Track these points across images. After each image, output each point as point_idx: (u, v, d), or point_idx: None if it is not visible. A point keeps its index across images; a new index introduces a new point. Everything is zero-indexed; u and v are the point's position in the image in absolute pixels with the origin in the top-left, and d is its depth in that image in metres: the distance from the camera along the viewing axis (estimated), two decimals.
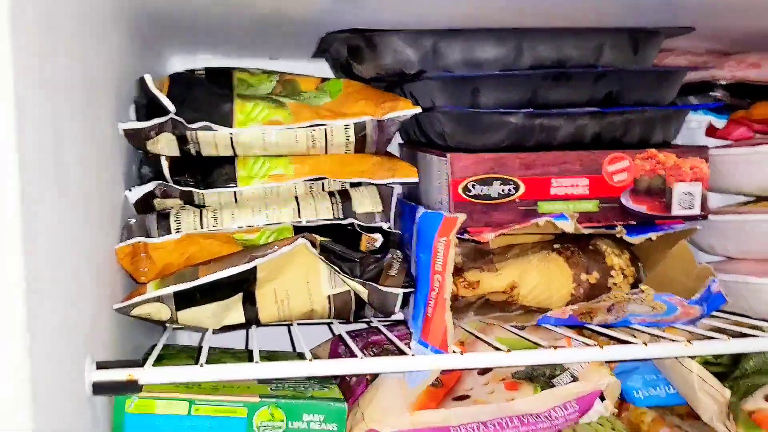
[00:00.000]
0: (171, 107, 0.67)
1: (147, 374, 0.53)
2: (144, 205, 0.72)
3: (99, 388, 0.51)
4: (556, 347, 0.61)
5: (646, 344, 0.62)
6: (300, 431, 0.61)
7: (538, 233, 0.77)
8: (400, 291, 0.67)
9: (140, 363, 0.54)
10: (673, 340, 0.63)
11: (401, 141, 1.01)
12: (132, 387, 0.52)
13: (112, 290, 0.63)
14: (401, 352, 0.60)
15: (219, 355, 0.74)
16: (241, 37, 0.89)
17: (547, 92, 0.71)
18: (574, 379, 0.69)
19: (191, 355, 0.75)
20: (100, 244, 0.61)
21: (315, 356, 0.80)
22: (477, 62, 0.73)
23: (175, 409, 0.58)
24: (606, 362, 0.72)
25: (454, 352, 0.61)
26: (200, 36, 0.89)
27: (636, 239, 0.70)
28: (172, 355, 0.73)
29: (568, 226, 0.64)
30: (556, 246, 0.76)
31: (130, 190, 0.70)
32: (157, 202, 0.72)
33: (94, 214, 0.59)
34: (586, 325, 0.71)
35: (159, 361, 0.68)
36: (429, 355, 0.62)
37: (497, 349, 0.61)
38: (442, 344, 0.62)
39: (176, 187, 0.71)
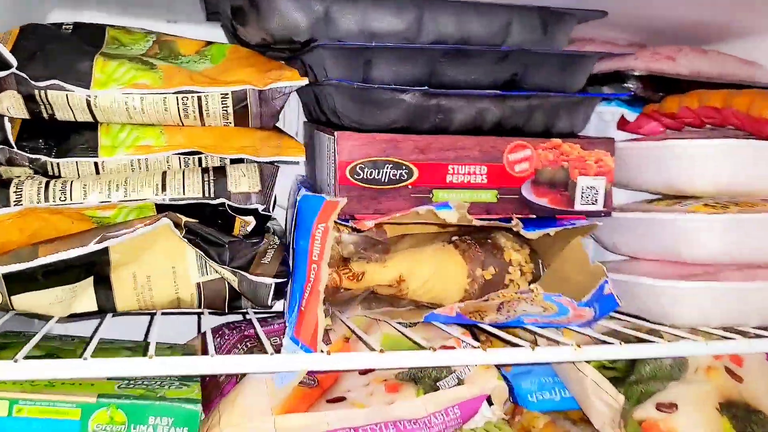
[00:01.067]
0: (12, 60, 0.58)
1: None
2: None
3: None
4: (435, 348, 0.55)
5: (533, 348, 0.57)
6: None
7: (436, 224, 0.72)
8: (272, 281, 0.60)
9: None
10: (561, 344, 0.59)
11: (305, 119, 0.94)
12: None
13: None
14: (264, 350, 0.54)
15: (57, 348, 0.65)
16: None
17: (446, 70, 0.65)
18: (460, 382, 0.64)
19: (43, 345, 0.66)
20: None
21: (189, 349, 0.73)
22: (373, 34, 0.66)
23: None
24: (495, 365, 0.67)
25: (321, 351, 0.55)
26: None
27: (533, 234, 0.65)
28: (13, 345, 0.64)
29: (451, 216, 0.58)
30: (453, 239, 0.71)
31: None
32: (2, 170, 0.63)
33: None
34: (478, 325, 0.66)
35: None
36: (294, 354, 0.55)
37: (371, 349, 0.55)
38: (312, 342, 0.56)
39: (22, 153, 0.62)
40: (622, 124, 0.80)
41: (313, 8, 0.64)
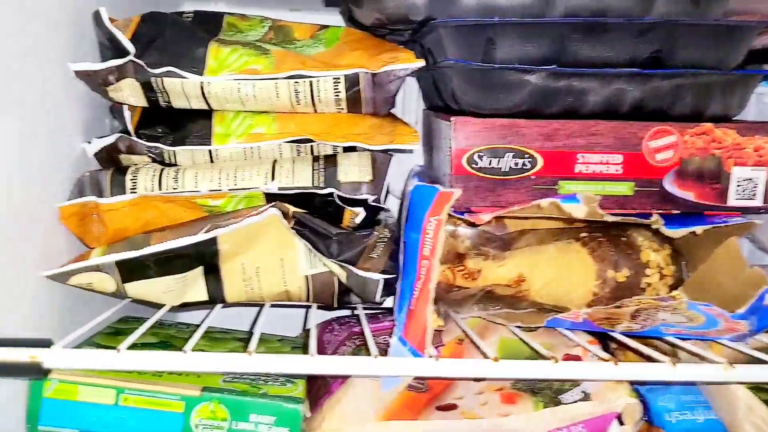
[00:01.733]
0: (130, 48, 0.58)
1: (54, 357, 0.45)
2: (110, 161, 0.64)
3: None
4: (557, 359, 0.49)
5: (674, 364, 0.50)
6: None
7: (561, 219, 0.65)
8: (380, 277, 0.56)
9: (50, 342, 0.46)
10: (708, 361, 0.51)
11: (425, 107, 0.90)
12: (35, 370, 0.44)
13: (50, 255, 0.55)
14: (368, 351, 0.50)
15: (172, 337, 0.65)
16: None
17: (578, 48, 0.58)
18: (586, 396, 0.57)
19: (160, 332, 0.67)
20: (39, 201, 0.53)
21: (298, 343, 0.72)
22: (496, 9, 0.60)
23: (101, 397, 0.50)
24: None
25: (430, 356, 0.50)
26: None
27: (676, 232, 0.57)
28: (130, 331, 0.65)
29: (578, 210, 0.52)
30: (581, 235, 0.64)
31: (89, 142, 0.62)
32: (123, 158, 0.64)
33: (31, 165, 0.51)
34: (608, 332, 0.58)
35: (113, 338, 0.61)
36: (400, 357, 0.51)
37: (485, 356, 0.50)
38: (420, 345, 0.52)
39: (140, 141, 0.62)
40: None
41: None
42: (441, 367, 0.49)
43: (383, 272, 0.57)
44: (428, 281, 0.54)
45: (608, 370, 0.49)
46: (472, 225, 0.59)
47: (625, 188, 0.59)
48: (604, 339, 0.66)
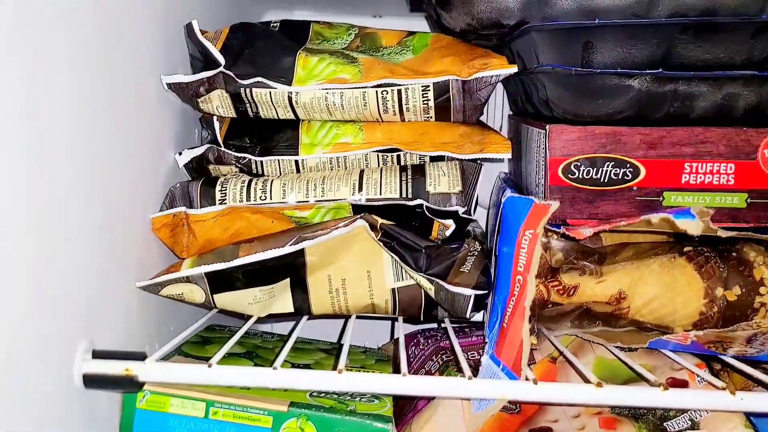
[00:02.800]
0: (221, 59, 0.58)
1: (148, 370, 0.45)
2: (199, 171, 0.64)
3: (91, 381, 0.44)
4: (666, 386, 0.45)
5: None
6: None
7: (661, 232, 0.61)
8: (471, 293, 0.54)
9: (144, 356, 0.46)
10: None
11: (511, 112, 0.87)
12: (129, 383, 0.45)
13: (143, 265, 0.56)
14: (459, 370, 0.48)
15: (257, 347, 0.65)
16: None
17: (686, 49, 0.54)
18: (694, 425, 0.53)
19: (246, 342, 0.67)
20: (133, 211, 0.54)
21: (382, 355, 0.70)
22: (595, 10, 0.57)
23: (191, 410, 0.50)
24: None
25: (527, 378, 0.48)
26: None
27: None
28: (216, 340, 0.66)
29: (694, 227, 0.48)
30: (686, 249, 0.60)
31: (180, 153, 0.63)
32: (212, 168, 0.64)
33: (126, 176, 0.52)
34: (718, 356, 0.54)
35: (201, 348, 0.62)
36: (495, 379, 0.49)
37: (586, 381, 0.47)
38: (515, 366, 0.49)
39: (229, 152, 0.62)
40: None
41: None
42: (540, 391, 0.46)
43: (475, 287, 0.54)
44: (523, 298, 0.51)
45: (724, 400, 0.45)
46: (569, 238, 0.56)
47: (737, 200, 0.54)
48: (709, 363, 0.62)
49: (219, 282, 0.56)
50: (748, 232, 0.52)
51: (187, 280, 0.55)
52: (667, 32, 0.54)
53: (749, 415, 0.55)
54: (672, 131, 0.54)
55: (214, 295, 0.57)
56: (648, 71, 0.53)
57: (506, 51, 0.68)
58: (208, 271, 0.55)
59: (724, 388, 0.46)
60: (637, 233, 0.63)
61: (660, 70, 0.53)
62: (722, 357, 0.53)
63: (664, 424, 0.54)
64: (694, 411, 0.54)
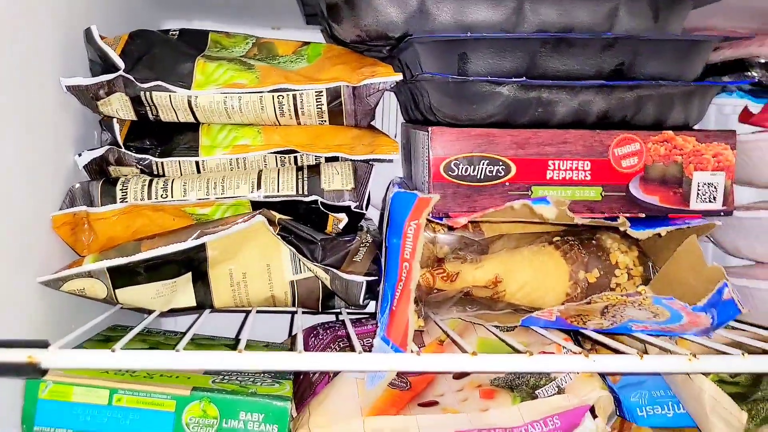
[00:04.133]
0: (120, 63, 0.61)
1: (52, 357, 0.47)
2: (99, 173, 0.66)
3: None
4: (531, 353, 0.52)
5: (641, 356, 0.53)
6: (236, 431, 0.53)
7: (536, 223, 0.68)
8: (363, 279, 0.59)
9: (47, 343, 0.48)
10: (674, 353, 0.54)
11: (403, 120, 0.93)
12: (32, 370, 0.46)
13: (44, 263, 0.57)
14: (352, 349, 0.53)
15: (160, 343, 0.67)
16: (234, 1, 0.83)
17: (547, 61, 0.62)
18: (560, 391, 0.60)
19: (149, 339, 0.69)
20: (32, 211, 0.55)
21: (284, 348, 0.74)
22: (470, 26, 0.64)
23: (95, 398, 0.52)
24: (600, 374, 0.62)
25: (412, 351, 0.53)
26: (193, 1, 0.83)
27: (641, 233, 0.60)
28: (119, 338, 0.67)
29: (548, 211, 0.55)
30: (554, 239, 0.67)
31: (80, 155, 0.64)
32: (112, 170, 0.66)
33: (26, 177, 0.53)
34: (581, 330, 0.61)
35: (104, 344, 0.63)
36: (384, 353, 0.54)
37: (464, 351, 0.52)
38: (402, 342, 0.54)
39: (129, 153, 0.64)
40: (746, 116, 0.74)
41: (408, 2, 0.63)
42: (422, 361, 0.51)
43: (366, 275, 0.59)
44: (409, 281, 0.56)
45: (580, 363, 0.52)
46: (450, 229, 0.62)
47: (593, 193, 0.62)
48: (578, 340, 0.69)
49: (121, 277, 0.58)
50: (601, 220, 0.60)
51: (89, 275, 0.57)
52: (530, 46, 0.61)
53: (605, 377, 0.63)
54: (538, 133, 0.61)
55: (117, 291, 0.59)
56: (514, 80, 0.60)
57: (396, 62, 0.74)
58: (110, 266, 0.57)
59: (580, 353, 0.53)
60: (514, 225, 0.70)
61: (524, 78, 0.60)
62: (584, 330, 0.60)
63: (536, 391, 0.61)
64: (561, 378, 0.61)
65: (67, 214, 0.59)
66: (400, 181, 0.83)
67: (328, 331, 0.72)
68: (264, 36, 0.74)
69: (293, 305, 0.66)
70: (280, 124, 0.66)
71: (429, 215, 0.57)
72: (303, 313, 0.67)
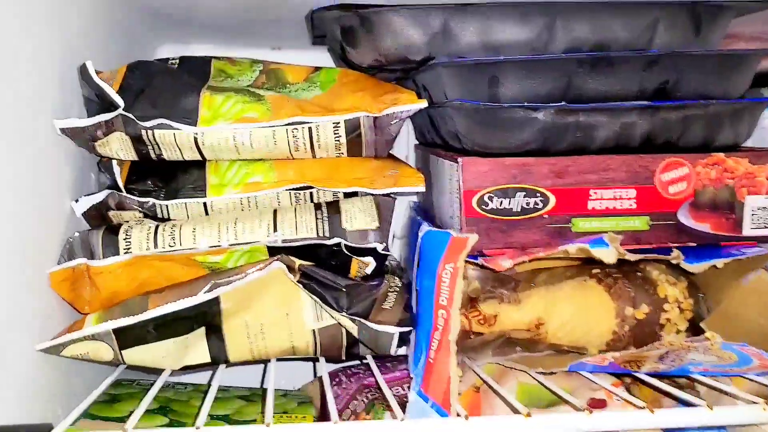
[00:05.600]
0: (119, 101, 0.55)
1: None
2: (99, 219, 0.60)
3: None
4: (590, 410, 0.47)
5: (711, 408, 0.48)
6: None
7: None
8: (395, 330, 0.54)
9: (50, 427, 0.42)
10: (740, 398, 0.49)
11: (417, 141, 0.88)
12: None
13: (43, 325, 0.52)
14: (387, 408, 0.47)
15: (171, 400, 0.61)
16: (231, 23, 0.77)
17: (585, 82, 0.57)
18: None
19: (159, 396, 0.63)
20: (28, 268, 0.49)
21: (304, 396, 0.68)
22: (498, 46, 0.59)
23: None
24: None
25: (458, 414, 0.47)
26: (189, 23, 0.78)
27: (697, 267, 0.55)
28: (125, 397, 0.61)
29: (608, 255, 0.50)
30: (594, 271, 0.62)
31: (77, 200, 0.59)
32: (113, 215, 0.61)
33: (19, 230, 0.47)
34: (631, 374, 0.56)
35: (109, 407, 0.57)
36: (424, 415, 0.49)
37: (515, 411, 0.47)
38: (444, 402, 0.49)
39: (131, 197, 0.59)
40: None
41: (431, 23, 0.58)
42: (472, 427, 0.46)
43: (398, 324, 0.54)
44: (447, 332, 0.51)
45: (645, 418, 0.47)
46: (487, 269, 0.57)
47: (640, 223, 0.57)
48: (622, 380, 0.64)
49: (128, 337, 0.53)
50: (654, 254, 0.55)
51: (93, 337, 0.52)
52: (567, 66, 0.56)
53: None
54: (577, 160, 0.56)
55: (123, 351, 0.53)
56: (551, 105, 0.55)
57: (410, 83, 0.68)
58: (118, 327, 0.51)
59: (643, 407, 0.48)
60: (549, 259, 0.64)
61: (562, 103, 0.55)
62: (636, 375, 0.55)
63: None
64: None
65: (66, 269, 0.54)
66: (417, 205, 0.78)
67: (352, 379, 0.67)
68: (266, 58, 0.69)
69: (315, 354, 0.60)
70: (293, 158, 0.61)
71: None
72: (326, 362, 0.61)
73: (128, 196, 0.59)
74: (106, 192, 0.58)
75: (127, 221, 0.60)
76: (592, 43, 0.59)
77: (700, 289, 0.62)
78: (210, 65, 0.66)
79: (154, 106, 0.57)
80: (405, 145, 0.91)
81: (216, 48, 0.89)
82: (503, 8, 0.58)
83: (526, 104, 0.55)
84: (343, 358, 0.61)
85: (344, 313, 0.54)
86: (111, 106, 0.56)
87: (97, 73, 0.57)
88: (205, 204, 0.60)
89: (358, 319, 0.54)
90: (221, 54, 0.74)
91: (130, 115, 0.55)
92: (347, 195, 0.62)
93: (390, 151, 0.66)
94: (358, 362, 0.73)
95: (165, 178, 0.60)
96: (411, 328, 0.54)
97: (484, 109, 0.55)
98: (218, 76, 0.64)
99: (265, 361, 0.61)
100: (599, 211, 0.57)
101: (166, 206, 0.60)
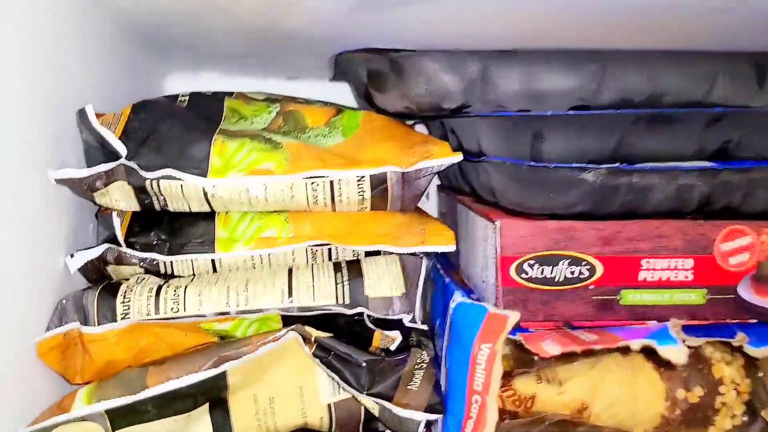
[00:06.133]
0: (122, 149, 0.50)
1: None
2: (96, 274, 0.55)
3: None
4: None
5: None
6: None
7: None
8: (422, 417, 0.47)
9: None
10: None
11: (439, 183, 0.82)
12: None
13: (27, 403, 0.46)
14: None
15: None
16: (245, 54, 0.72)
17: (638, 139, 0.51)
18: None
19: None
20: (13, 335, 0.44)
21: None
22: (541, 95, 0.53)
23: None
24: None
25: None
26: (197, 52, 0.73)
27: (763, 351, 0.49)
28: None
29: (678, 355, 0.43)
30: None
31: (72, 255, 0.53)
32: (111, 270, 0.55)
33: (4, 293, 0.42)
34: None
35: None
36: None
37: None
38: None
39: (132, 252, 0.53)
40: None
41: (468, 69, 0.52)
42: None
43: (427, 410, 0.48)
44: (482, 424, 0.45)
45: None
46: (526, 351, 0.51)
47: (696, 297, 0.51)
48: None
49: (123, 416, 0.47)
50: (716, 337, 0.49)
51: (83, 419, 0.46)
52: (620, 122, 0.50)
53: None
54: (627, 225, 0.51)
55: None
56: (603, 165, 0.49)
57: (436, 124, 0.63)
58: (112, 408, 0.45)
59: None
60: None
61: (618, 164, 0.49)
62: None
63: None
64: None
65: (56, 336, 0.48)
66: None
67: None
68: (282, 89, 0.64)
69: (330, 430, 0.54)
70: (311, 211, 0.56)
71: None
72: None
73: (128, 251, 0.53)
74: (104, 246, 0.53)
75: (127, 279, 0.54)
76: (646, 95, 0.54)
77: (758, 367, 0.56)
78: (223, 105, 0.60)
79: (159, 153, 0.51)
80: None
81: (228, 77, 0.84)
82: (549, 55, 0.52)
83: (574, 164, 0.49)
84: None
85: (365, 394, 0.48)
86: (112, 154, 0.50)
87: (99, 116, 0.51)
88: (213, 260, 0.54)
89: (381, 401, 0.48)
90: (234, 85, 0.69)
91: (133, 165, 0.50)
92: (369, 253, 0.56)
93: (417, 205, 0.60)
94: None
95: (169, 230, 0.55)
96: (440, 414, 0.48)
97: (527, 168, 0.50)
98: (232, 117, 0.58)
99: None
100: (651, 283, 0.51)
101: (170, 262, 0.54)
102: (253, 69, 0.83)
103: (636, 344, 0.44)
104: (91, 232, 0.57)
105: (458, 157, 0.53)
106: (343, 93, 0.79)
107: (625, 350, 0.55)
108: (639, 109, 0.51)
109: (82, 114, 0.50)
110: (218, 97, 0.61)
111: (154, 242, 0.54)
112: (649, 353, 0.55)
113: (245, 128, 0.57)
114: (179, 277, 0.55)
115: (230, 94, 0.63)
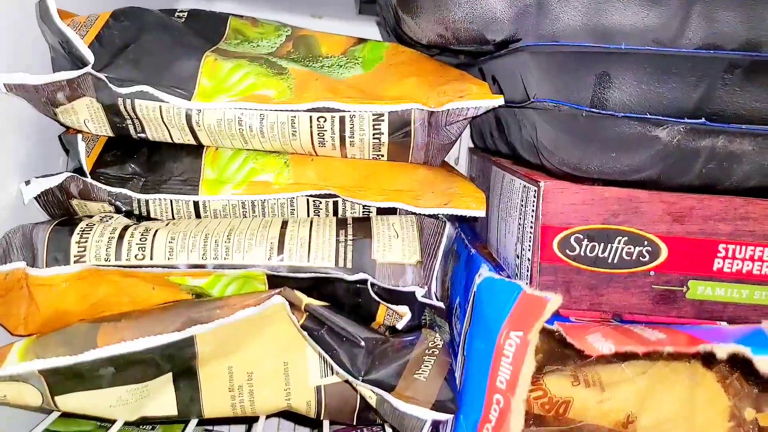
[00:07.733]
0: (89, 56, 0.41)
1: None
2: (60, 209, 0.46)
3: None
4: None
5: None
6: None
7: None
8: (429, 417, 0.38)
9: None
10: None
11: (472, 144, 0.73)
12: None
13: None
14: None
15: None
16: None
17: (730, 94, 0.40)
18: None
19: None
20: None
21: None
22: (609, 31, 0.43)
23: None
24: None
25: None
26: None
27: None
28: None
29: None
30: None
31: (27, 183, 0.44)
32: (76, 205, 0.46)
33: None
34: None
35: None
36: None
37: None
38: None
39: (98, 184, 0.44)
40: None
41: None
42: None
43: (435, 407, 0.38)
44: (504, 430, 0.36)
45: None
46: (567, 345, 0.41)
47: None
48: None
49: (64, 380, 0.38)
50: None
51: (16, 378, 0.37)
52: (711, 68, 0.40)
53: None
54: (705, 201, 0.40)
55: (57, 398, 0.39)
56: (686, 120, 0.39)
57: (475, 71, 0.53)
58: (48, 368, 0.37)
59: None
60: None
61: (702, 119, 0.39)
62: None
63: None
64: None
65: None
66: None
67: None
68: (302, 26, 0.54)
69: (318, 417, 0.45)
70: (317, 155, 0.46)
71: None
72: (331, 425, 0.47)
73: (94, 183, 0.44)
74: (65, 174, 0.44)
75: (91, 216, 0.45)
76: (740, 43, 0.43)
77: None
78: (226, 24, 0.51)
79: (136, 66, 0.42)
80: (457, 146, 0.76)
81: (245, 9, 0.75)
82: None
83: (649, 116, 0.39)
84: (355, 423, 0.47)
85: (361, 380, 0.39)
86: (79, 61, 0.41)
87: (68, 15, 0.42)
88: (196, 203, 0.45)
89: (379, 392, 0.39)
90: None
91: (102, 76, 0.41)
92: (382, 211, 0.47)
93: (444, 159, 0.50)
94: None
95: (147, 163, 0.46)
96: (452, 414, 0.39)
97: (587, 117, 0.40)
98: (233, 38, 0.49)
99: (251, 419, 0.46)
100: (728, 275, 0.41)
101: (146, 201, 0.45)
102: (275, 3, 0.74)
103: (722, 350, 0.33)
104: (62, 165, 0.49)
105: (499, 99, 0.43)
106: (371, 35, 0.70)
107: (692, 356, 0.45)
108: (735, 52, 0.40)
109: (42, 5, 0.41)
110: (223, 16, 0.52)
111: (128, 176, 0.45)
112: (709, 361, 0.45)
113: (247, 51, 0.47)
114: (155, 220, 0.46)
115: (238, 15, 0.54)
